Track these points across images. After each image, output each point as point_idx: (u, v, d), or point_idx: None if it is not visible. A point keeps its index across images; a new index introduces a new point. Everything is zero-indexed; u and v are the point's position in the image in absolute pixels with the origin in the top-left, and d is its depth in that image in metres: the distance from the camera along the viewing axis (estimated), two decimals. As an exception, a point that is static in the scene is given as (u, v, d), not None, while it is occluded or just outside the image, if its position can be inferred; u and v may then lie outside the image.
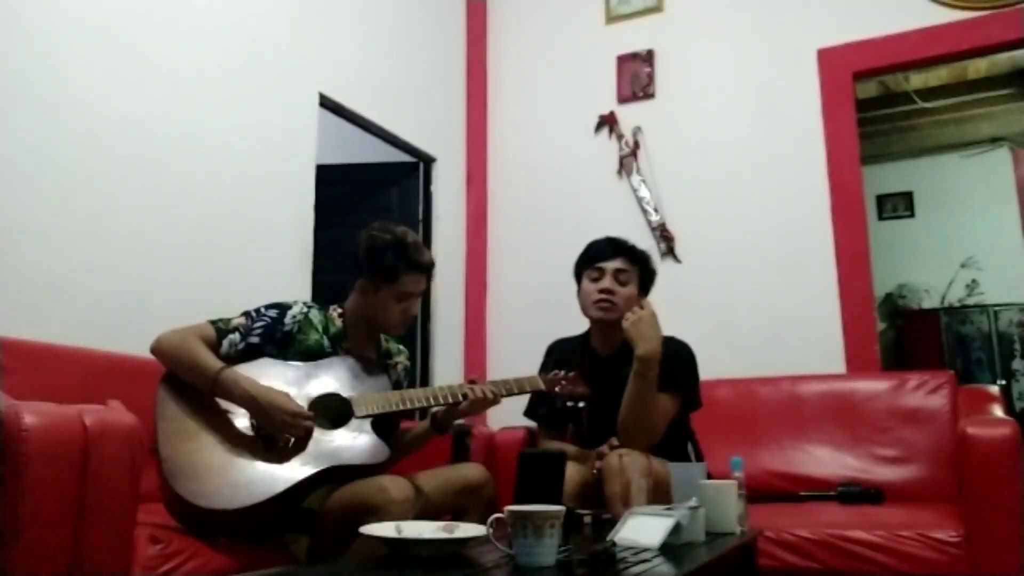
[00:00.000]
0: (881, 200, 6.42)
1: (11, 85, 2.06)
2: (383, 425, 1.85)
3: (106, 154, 2.28)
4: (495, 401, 1.97)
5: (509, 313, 3.77)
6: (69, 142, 2.19)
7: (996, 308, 5.92)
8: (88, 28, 2.26)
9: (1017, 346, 5.80)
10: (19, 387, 1.51)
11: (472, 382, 1.98)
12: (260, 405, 1.70)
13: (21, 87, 2.09)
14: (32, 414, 1.28)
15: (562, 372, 2.09)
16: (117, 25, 2.35)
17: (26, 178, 2.08)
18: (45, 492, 1.27)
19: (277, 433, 1.71)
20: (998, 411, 2.42)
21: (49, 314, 2.08)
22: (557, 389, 2.06)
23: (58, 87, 2.17)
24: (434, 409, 2.03)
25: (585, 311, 2.29)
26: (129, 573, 1.39)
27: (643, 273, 2.29)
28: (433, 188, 3.76)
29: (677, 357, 2.19)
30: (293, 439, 1.73)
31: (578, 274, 2.32)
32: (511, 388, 2.02)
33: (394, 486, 1.65)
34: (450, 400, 1.94)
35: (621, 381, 2.12)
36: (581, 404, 2.07)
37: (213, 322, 1.84)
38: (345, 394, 1.84)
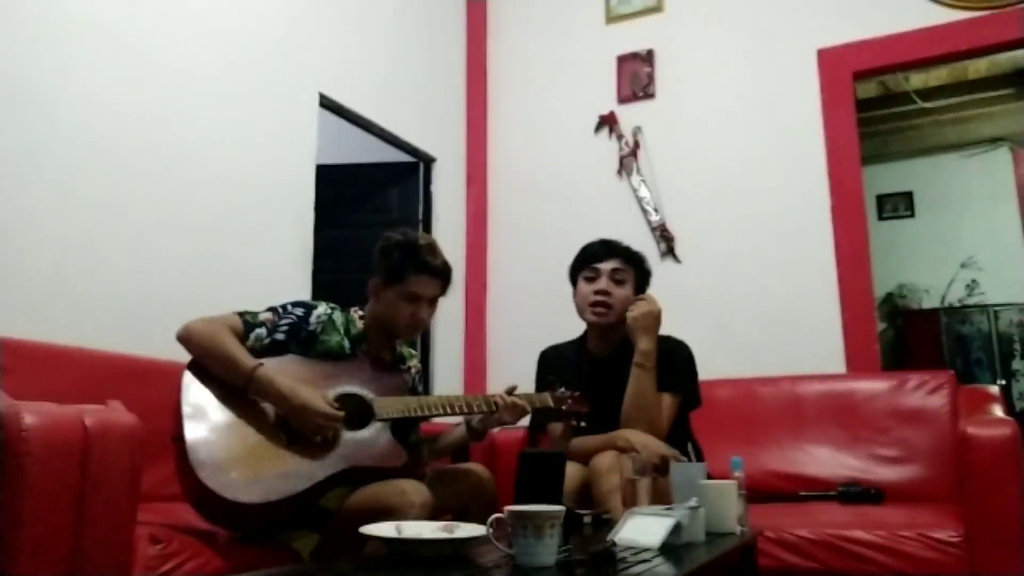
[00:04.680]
0: (881, 200, 6.41)
1: (11, 85, 2.06)
2: (401, 429, 1.87)
3: (106, 154, 2.28)
4: (524, 411, 1.98)
5: (509, 313, 3.77)
6: (69, 142, 2.19)
7: (996, 308, 5.91)
8: (88, 28, 2.26)
9: (1017, 346, 5.80)
10: (19, 387, 1.51)
11: (510, 391, 1.99)
12: (294, 406, 1.71)
13: (21, 87, 2.08)
14: (32, 414, 1.28)
15: (568, 392, 2.09)
16: (117, 25, 2.35)
17: (26, 178, 2.08)
18: (45, 492, 1.26)
19: (310, 434, 1.73)
20: (998, 411, 2.42)
21: (49, 314, 2.08)
22: (564, 408, 2.06)
23: (58, 87, 2.17)
24: (470, 417, 2.06)
25: (581, 314, 2.29)
26: (129, 573, 1.39)
27: (638, 274, 2.29)
28: (433, 188, 3.76)
29: (675, 356, 2.21)
30: (322, 438, 1.75)
31: (573, 277, 2.33)
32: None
33: (414, 490, 1.67)
34: (465, 411, 1.97)
35: (620, 381, 2.15)
36: (583, 424, 2.07)
37: (240, 314, 1.83)
38: (366, 396, 1.85)
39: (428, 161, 3.77)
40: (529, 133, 3.91)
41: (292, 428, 1.74)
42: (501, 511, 1.32)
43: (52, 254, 2.12)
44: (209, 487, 1.57)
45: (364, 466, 1.75)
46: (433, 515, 1.69)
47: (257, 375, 1.72)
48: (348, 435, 1.78)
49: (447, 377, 3.61)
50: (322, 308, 1.93)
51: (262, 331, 1.83)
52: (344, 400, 1.81)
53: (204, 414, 1.69)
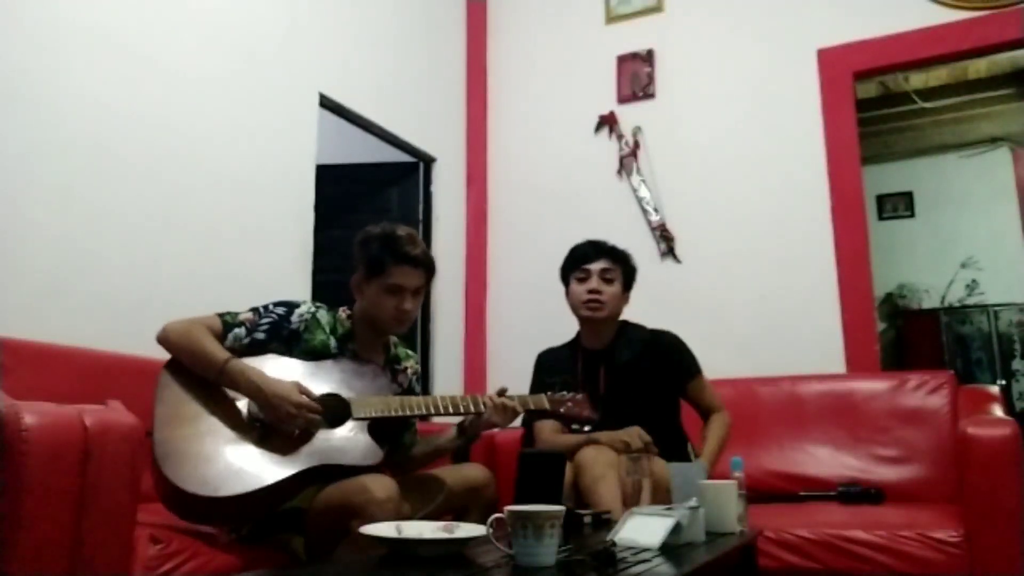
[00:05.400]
0: (881, 200, 6.41)
1: (11, 85, 2.06)
2: (381, 429, 1.84)
3: (106, 154, 2.28)
4: (514, 413, 1.92)
5: (509, 313, 3.77)
6: (69, 142, 2.19)
7: (996, 308, 5.92)
8: (88, 28, 2.26)
9: (1017, 346, 5.80)
10: (19, 387, 1.51)
11: (500, 393, 1.94)
12: (266, 396, 1.70)
13: (21, 87, 2.08)
14: (32, 414, 1.28)
15: (568, 394, 2.03)
16: (117, 25, 2.35)
17: (26, 178, 2.07)
18: (45, 492, 1.26)
19: (282, 424, 1.71)
20: (998, 411, 2.42)
21: (49, 314, 2.07)
22: (562, 411, 1.99)
23: (58, 87, 2.17)
24: (462, 419, 2.00)
25: (575, 311, 2.39)
26: (129, 573, 1.39)
27: (625, 270, 2.40)
28: (433, 188, 3.76)
29: (676, 348, 2.35)
30: (299, 430, 1.72)
31: (565, 278, 2.43)
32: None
33: (376, 485, 1.62)
34: (451, 411, 1.92)
35: (614, 370, 2.28)
36: (587, 428, 2.01)
37: (220, 315, 1.83)
38: (345, 395, 1.83)
39: (428, 161, 3.77)
40: (529, 133, 3.90)
41: (265, 425, 1.73)
42: (501, 511, 1.32)
43: (52, 254, 2.12)
44: (170, 479, 1.57)
45: (336, 464, 1.71)
46: (402, 510, 1.65)
47: (228, 366, 1.72)
48: (322, 433, 1.76)
49: (447, 378, 3.61)
50: (305, 307, 1.92)
51: (241, 331, 1.82)
52: (323, 399, 1.79)
53: (176, 410, 1.69)
